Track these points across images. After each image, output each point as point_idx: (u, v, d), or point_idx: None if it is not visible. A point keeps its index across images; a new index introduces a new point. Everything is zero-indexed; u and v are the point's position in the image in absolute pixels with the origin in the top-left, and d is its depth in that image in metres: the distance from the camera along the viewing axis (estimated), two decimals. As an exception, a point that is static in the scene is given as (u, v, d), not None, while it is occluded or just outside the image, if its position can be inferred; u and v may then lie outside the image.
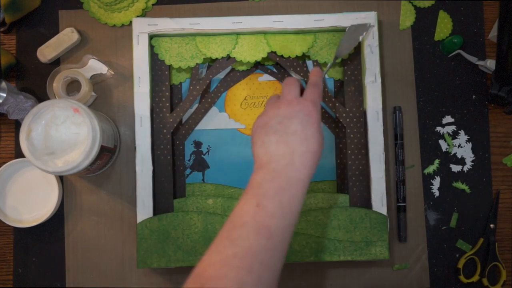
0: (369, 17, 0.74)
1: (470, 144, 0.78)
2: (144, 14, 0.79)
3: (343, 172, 0.76)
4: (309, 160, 0.55)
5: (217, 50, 0.75)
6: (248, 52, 0.74)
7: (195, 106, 0.78)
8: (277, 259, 0.50)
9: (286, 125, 0.57)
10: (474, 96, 0.79)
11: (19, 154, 0.77)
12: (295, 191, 0.53)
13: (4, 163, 0.75)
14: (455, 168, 0.78)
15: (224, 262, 0.48)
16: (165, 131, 0.74)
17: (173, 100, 0.78)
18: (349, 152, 0.74)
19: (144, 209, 0.72)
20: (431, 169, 0.77)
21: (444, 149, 0.78)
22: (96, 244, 0.76)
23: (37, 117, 0.65)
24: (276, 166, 0.54)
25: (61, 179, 0.77)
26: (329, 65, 0.70)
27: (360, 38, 0.72)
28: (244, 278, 0.47)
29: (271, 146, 0.56)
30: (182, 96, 0.78)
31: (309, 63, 0.77)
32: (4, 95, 0.71)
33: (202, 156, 0.78)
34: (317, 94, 0.61)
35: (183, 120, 0.78)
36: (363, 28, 0.73)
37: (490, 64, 0.77)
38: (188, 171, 0.78)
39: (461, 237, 0.77)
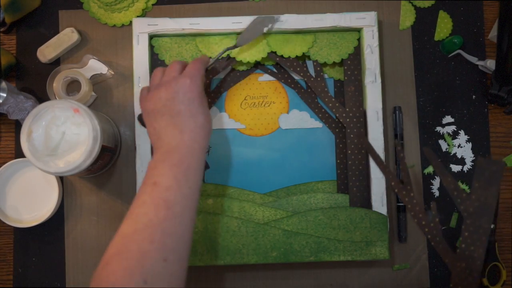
0: (369, 17, 0.74)
1: (470, 144, 0.78)
2: (144, 14, 0.79)
3: (343, 172, 0.76)
4: (199, 134, 0.59)
5: (217, 50, 0.75)
6: (248, 52, 0.74)
7: (195, 106, 0.78)
8: (180, 227, 0.54)
9: (170, 107, 0.60)
10: (474, 96, 0.79)
11: (19, 154, 0.77)
12: (188, 164, 0.57)
13: (4, 163, 0.75)
14: (455, 168, 0.78)
15: (125, 239, 0.51)
16: (165, 131, 0.74)
17: (173, 100, 0.78)
18: (349, 152, 0.74)
19: (144, 209, 0.72)
20: (431, 169, 0.78)
21: (444, 149, 0.78)
22: (96, 244, 0.76)
23: (37, 118, 0.65)
24: (168, 149, 0.58)
25: (61, 179, 0.77)
26: (221, 52, 0.71)
27: (265, 29, 0.72)
28: (146, 247, 0.50)
29: (162, 131, 0.60)
30: (182, 96, 0.78)
31: (309, 63, 0.77)
32: (4, 95, 0.71)
33: (202, 156, 0.78)
34: (194, 68, 0.63)
35: (183, 120, 0.78)
36: (269, 20, 0.72)
37: (490, 64, 0.77)
38: (188, 171, 0.78)
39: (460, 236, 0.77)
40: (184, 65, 0.65)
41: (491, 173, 0.52)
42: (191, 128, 0.59)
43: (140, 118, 0.68)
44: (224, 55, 0.73)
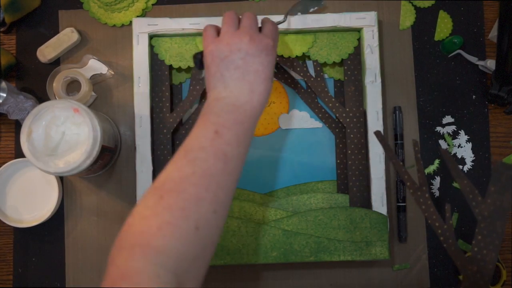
0: (369, 17, 0.74)
1: (470, 144, 0.78)
2: (144, 14, 0.79)
3: (343, 172, 0.76)
4: (265, 98, 0.58)
5: (217, 50, 0.74)
6: (248, 52, 0.74)
7: (195, 106, 0.78)
8: (232, 183, 0.53)
9: (249, 63, 0.58)
10: (474, 96, 0.79)
11: (19, 154, 0.77)
12: (249, 125, 0.57)
13: (4, 163, 0.76)
14: (455, 168, 0.78)
15: (183, 179, 0.50)
16: (165, 131, 0.74)
17: (173, 100, 0.78)
18: (349, 152, 0.74)
19: (144, 209, 0.72)
20: (431, 169, 0.78)
21: (444, 149, 0.78)
22: (96, 244, 0.76)
23: (37, 118, 0.65)
24: (235, 102, 0.57)
25: (61, 179, 0.77)
26: (282, 18, 0.71)
27: (311, 10, 0.74)
28: (202, 194, 0.50)
29: (232, 82, 0.58)
30: (182, 96, 0.78)
31: (309, 63, 0.77)
32: (4, 95, 0.71)
33: (202, 156, 0.78)
34: (275, 31, 0.62)
35: (183, 120, 0.78)
36: (316, 3, 0.75)
37: (490, 64, 0.77)
38: (188, 171, 0.77)
39: (461, 237, 0.77)
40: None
41: (507, 177, 0.51)
42: (261, 91, 0.58)
43: (199, 57, 0.64)
44: None
